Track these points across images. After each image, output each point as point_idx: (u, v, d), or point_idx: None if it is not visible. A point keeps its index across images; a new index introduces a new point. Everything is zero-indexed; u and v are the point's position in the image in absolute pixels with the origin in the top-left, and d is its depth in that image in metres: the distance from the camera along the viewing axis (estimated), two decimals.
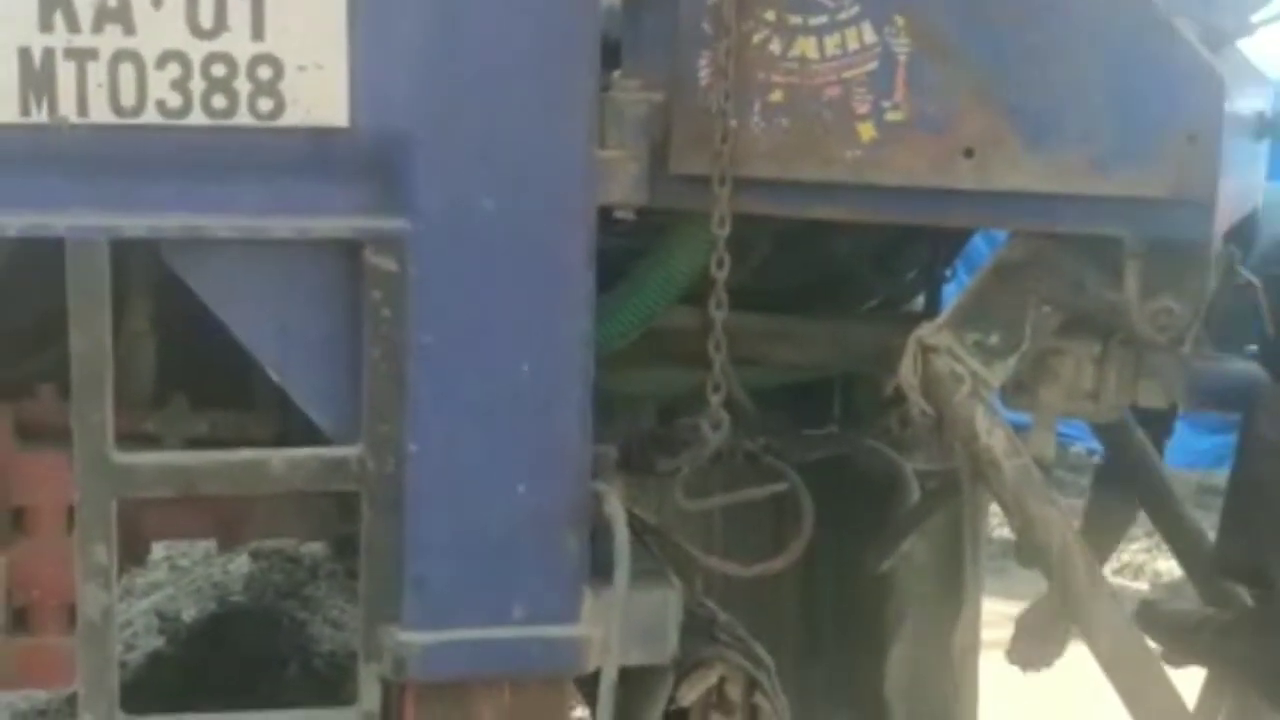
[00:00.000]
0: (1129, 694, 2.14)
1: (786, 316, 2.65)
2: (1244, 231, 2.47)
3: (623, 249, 2.35)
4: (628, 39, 2.20)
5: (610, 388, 2.27)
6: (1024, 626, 2.65)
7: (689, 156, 2.15)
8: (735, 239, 2.19)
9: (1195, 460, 6.59)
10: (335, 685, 3.40)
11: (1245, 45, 2.49)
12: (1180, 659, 2.58)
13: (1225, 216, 2.15)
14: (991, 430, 2.18)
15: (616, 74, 2.17)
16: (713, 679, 2.30)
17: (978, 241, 2.89)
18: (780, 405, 2.78)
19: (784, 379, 2.76)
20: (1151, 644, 2.33)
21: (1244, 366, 2.49)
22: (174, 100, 1.94)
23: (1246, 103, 2.27)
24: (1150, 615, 2.58)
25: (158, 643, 3.78)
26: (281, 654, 3.64)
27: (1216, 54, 2.13)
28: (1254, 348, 2.65)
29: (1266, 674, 2.51)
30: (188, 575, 4.16)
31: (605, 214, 2.15)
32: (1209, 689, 2.64)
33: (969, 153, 2.08)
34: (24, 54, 1.90)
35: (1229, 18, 2.24)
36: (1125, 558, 6.38)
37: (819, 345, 2.70)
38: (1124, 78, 2.03)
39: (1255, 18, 2.32)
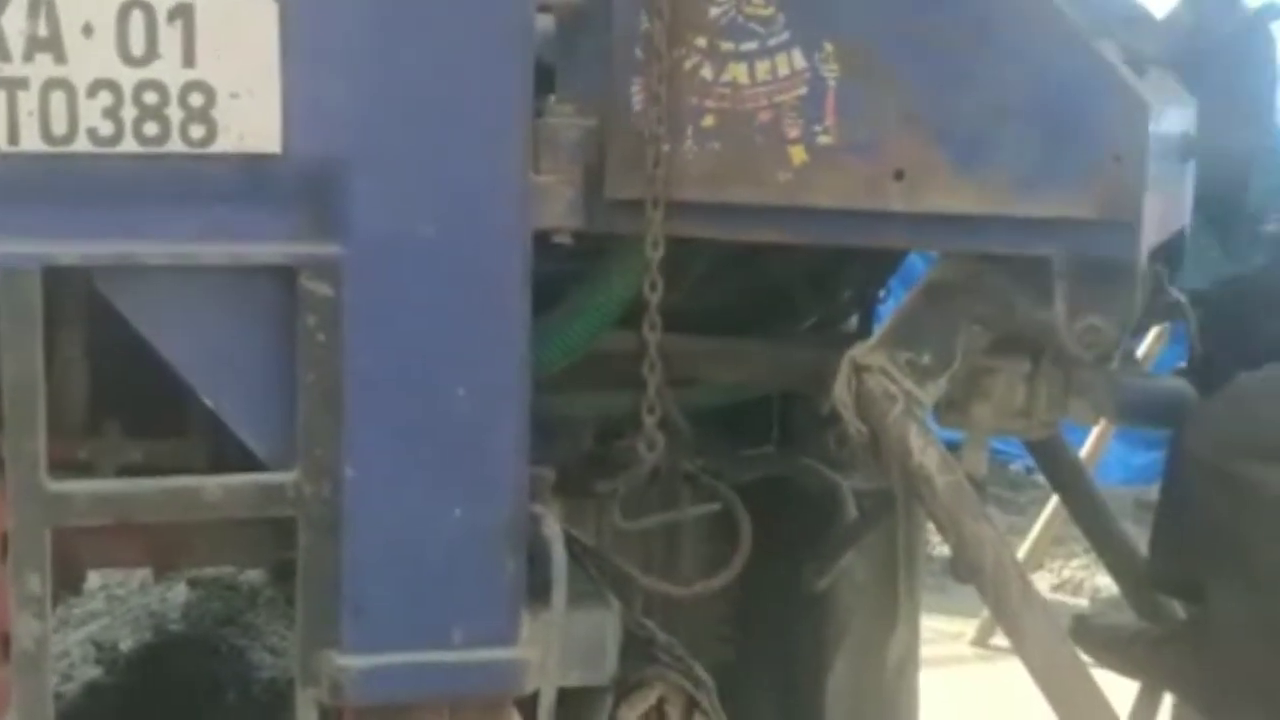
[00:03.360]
0: (1062, 708, 2.16)
1: (723, 338, 2.67)
2: (1172, 251, 2.51)
3: (561, 273, 2.36)
4: (561, 64, 2.21)
5: (549, 411, 2.28)
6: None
7: (623, 181, 2.16)
8: (670, 261, 2.20)
9: (1131, 476, 6.67)
10: (275, 712, 3.38)
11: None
12: (1115, 671, 2.61)
13: (1151, 236, 2.19)
14: (925, 448, 2.20)
15: (551, 99, 2.19)
16: (652, 699, 2.31)
17: (914, 260, 2.92)
18: (718, 425, 2.79)
19: (722, 399, 2.78)
20: (1086, 658, 2.36)
21: (1172, 383, 2.53)
22: (105, 128, 1.94)
23: (1171, 124, 2.30)
24: (1084, 629, 2.61)
25: (95, 673, 3.75)
26: (220, 682, 3.62)
27: (1141, 77, 2.17)
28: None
29: (1200, 685, 2.54)
30: (125, 604, 4.12)
31: (542, 238, 2.17)
32: (1142, 701, 2.67)
33: (899, 175, 2.10)
34: None
35: (1153, 42, 2.28)
36: (1065, 574, 6.44)
37: (756, 366, 2.72)
38: (1049, 101, 2.06)
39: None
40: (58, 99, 1.92)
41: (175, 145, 1.96)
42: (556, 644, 2.12)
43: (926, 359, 2.25)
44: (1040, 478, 4.40)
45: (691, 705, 2.35)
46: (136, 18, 1.93)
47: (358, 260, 2.00)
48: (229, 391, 2.03)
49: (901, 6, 2.09)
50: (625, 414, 2.38)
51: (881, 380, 2.23)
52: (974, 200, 2.09)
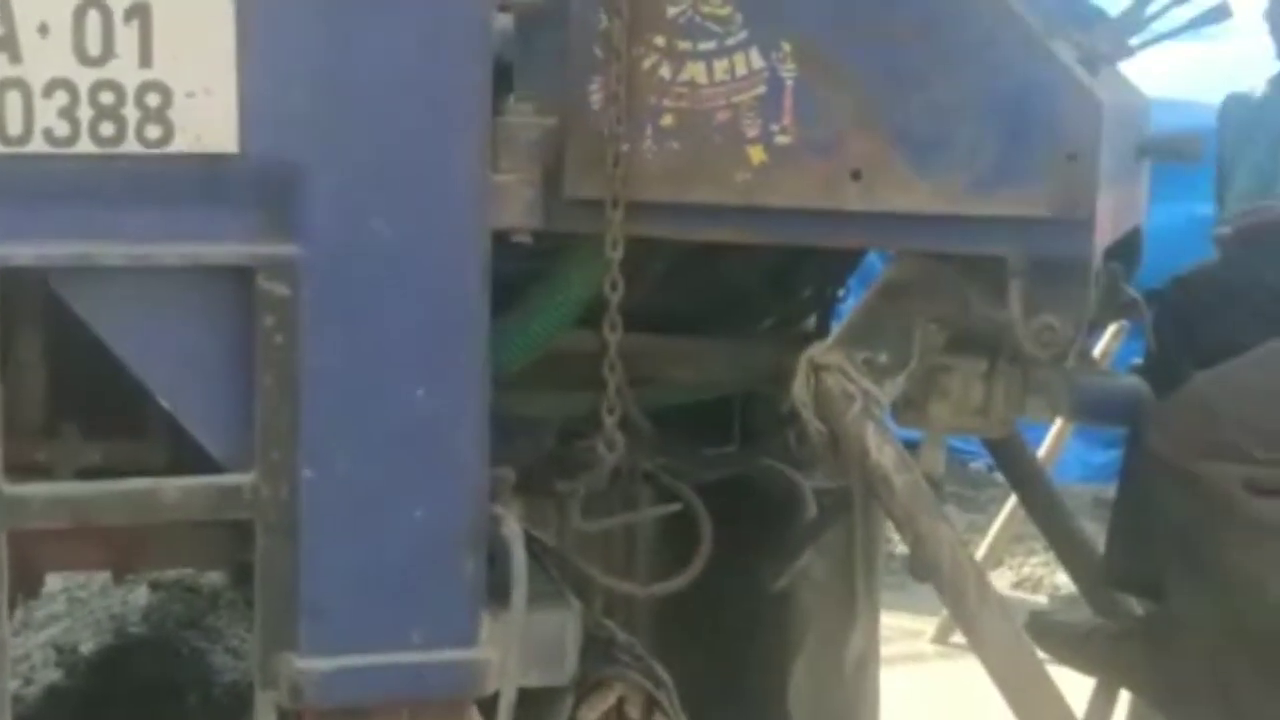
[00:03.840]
0: (1019, 706, 2.18)
1: (683, 337, 2.68)
2: (1128, 249, 2.53)
3: (520, 272, 2.36)
4: (520, 63, 2.21)
5: (509, 410, 2.28)
6: None
7: (582, 180, 2.16)
8: (630, 261, 2.20)
9: (1091, 475, 6.71)
10: (236, 715, 3.37)
11: (1126, 66, 2.55)
12: (1072, 668, 2.62)
13: (1105, 234, 2.20)
14: (882, 447, 2.21)
15: (510, 98, 2.19)
16: (612, 699, 2.31)
17: (874, 259, 2.93)
18: (679, 425, 2.79)
19: (682, 399, 2.78)
20: (1042, 654, 2.37)
21: (1128, 381, 2.55)
22: (61, 128, 1.92)
23: (1126, 123, 2.32)
24: (1041, 626, 2.63)
25: (55, 676, 3.73)
26: (181, 685, 3.60)
27: (1095, 76, 2.18)
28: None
29: (1157, 681, 2.56)
30: (86, 607, 4.10)
31: (501, 237, 2.16)
32: (1098, 698, 2.69)
33: (856, 175, 2.11)
34: None
35: (1107, 41, 2.29)
36: (1025, 571, 6.47)
37: (716, 365, 2.73)
38: (1004, 100, 2.07)
39: (1133, 41, 2.38)
40: (13, 99, 1.91)
41: (132, 146, 1.94)
42: (516, 644, 2.12)
43: (884, 358, 2.26)
44: (1000, 476, 4.42)
45: (651, 705, 2.35)
46: (93, 17, 1.92)
47: (315, 261, 2.00)
48: (186, 393, 2.02)
49: (858, 6, 2.09)
50: (585, 414, 2.38)
51: (839, 379, 2.24)
52: (930, 200, 2.10)
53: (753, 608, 2.91)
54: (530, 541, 2.24)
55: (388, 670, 2.09)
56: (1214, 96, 5.12)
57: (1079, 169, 2.06)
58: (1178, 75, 6.46)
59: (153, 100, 1.95)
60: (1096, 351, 4.06)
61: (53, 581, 3.85)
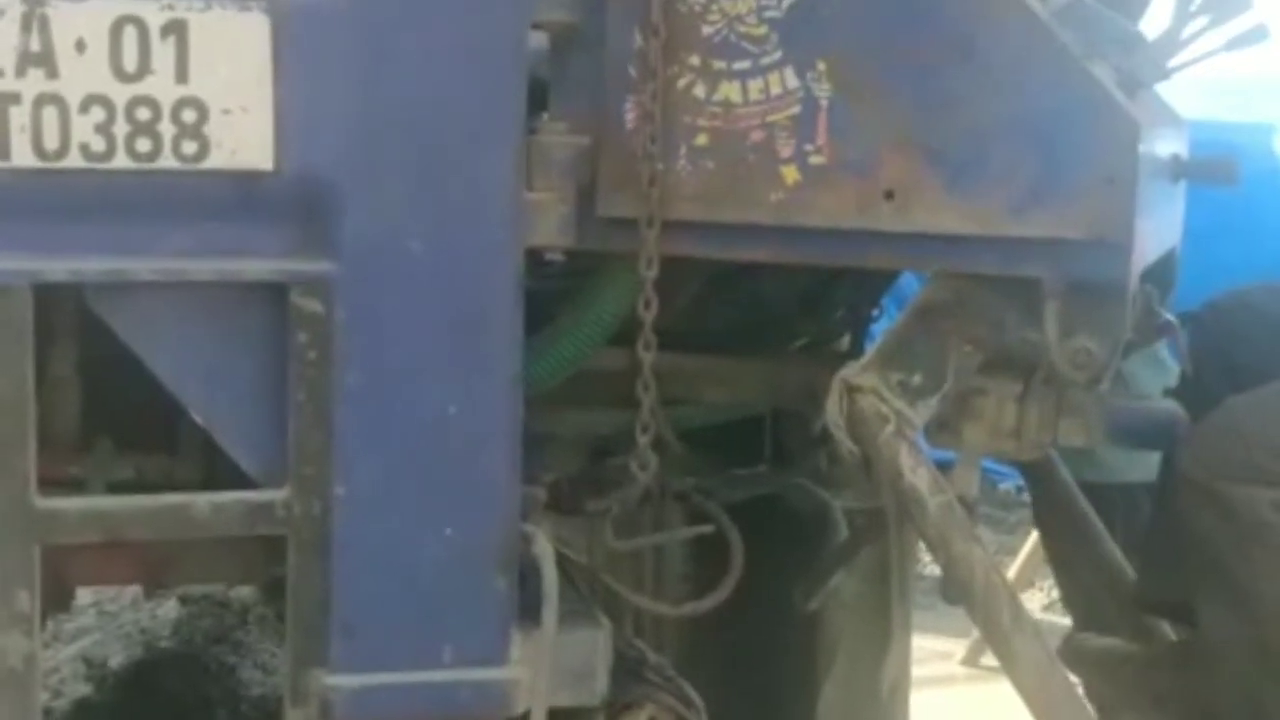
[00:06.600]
0: None
1: (715, 357, 2.67)
2: (1162, 272, 2.51)
3: (552, 290, 2.36)
4: (555, 82, 2.21)
5: (540, 429, 2.27)
6: None
7: (616, 199, 2.16)
8: (663, 280, 2.20)
9: None
10: None
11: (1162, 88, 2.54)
12: (1104, 693, 2.61)
13: (1142, 257, 2.19)
14: (916, 469, 2.20)
15: (544, 116, 2.19)
16: (642, 719, 2.31)
17: (908, 280, 2.92)
18: (710, 444, 2.79)
19: (714, 418, 2.77)
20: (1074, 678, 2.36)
21: (1163, 405, 2.53)
22: (97, 144, 1.93)
23: (1163, 146, 2.31)
24: (1074, 650, 2.61)
25: (85, 689, 3.73)
26: (210, 699, 3.61)
27: (1133, 98, 2.17)
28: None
29: (1188, 707, 2.54)
30: (115, 621, 4.11)
31: (534, 255, 2.16)
32: None
33: (890, 195, 2.10)
34: None
35: (1145, 64, 2.28)
36: (1055, 593, 6.42)
37: (748, 385, 2.72)
38: (1041, 122, 2.06)
39: (1171, 63, 2.36)
40: (50, 114, 1.92)
41: (167, 161, 1.96)
42: (547, 664, 2.11)
43: (918, 379, 2.24)
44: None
45: None
46: (130, 33, 1.93)
47: (349, 277, 2.00)
48: (219, 408, 2.03)
49: (893, 27, 2.09)
50: (617, 432, 2.37)
51: (873, 401, 2.23)
52: (964, 221, 2.10)
53: (783, 628, 2.90)
54: (561, 560, 2.23)
55: (418, 688, 2.09)
56: None
57: (1116, 192, 2.05)
58: None
59: (189, 116, 1.96)
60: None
61: (82, 595, 3.86)
